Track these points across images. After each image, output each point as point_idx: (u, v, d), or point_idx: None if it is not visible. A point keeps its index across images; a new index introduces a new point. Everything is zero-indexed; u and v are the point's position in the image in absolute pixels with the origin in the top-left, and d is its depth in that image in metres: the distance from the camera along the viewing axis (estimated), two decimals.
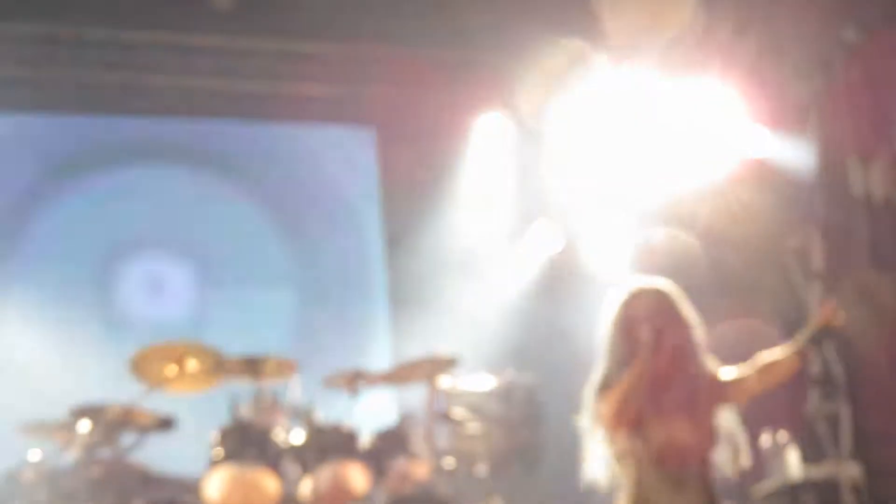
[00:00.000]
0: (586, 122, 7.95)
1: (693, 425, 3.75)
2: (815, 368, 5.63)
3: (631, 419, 3.68)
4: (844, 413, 5.46)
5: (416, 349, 7.56)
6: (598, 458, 3.78)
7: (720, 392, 3.88)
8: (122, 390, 6.16)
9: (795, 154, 7.16)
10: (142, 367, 6.13)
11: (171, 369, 6.05)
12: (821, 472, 6.15)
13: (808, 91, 6.73)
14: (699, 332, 3.91)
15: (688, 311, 3.91)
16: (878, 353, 5.21)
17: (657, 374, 3.73)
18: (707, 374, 3.88)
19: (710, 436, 3.79)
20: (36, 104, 8.28)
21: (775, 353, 3.99)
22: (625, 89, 7.45)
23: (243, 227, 8.70)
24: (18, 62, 7.85)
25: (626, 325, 3.83)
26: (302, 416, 6.31)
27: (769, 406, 8.42)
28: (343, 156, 9.10)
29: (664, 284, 3.94)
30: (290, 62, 8.36)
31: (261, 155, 8.85)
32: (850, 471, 5.44)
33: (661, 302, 3.85)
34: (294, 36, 8.09)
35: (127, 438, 6.13)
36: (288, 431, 6.29)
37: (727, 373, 3.95)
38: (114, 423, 5.97)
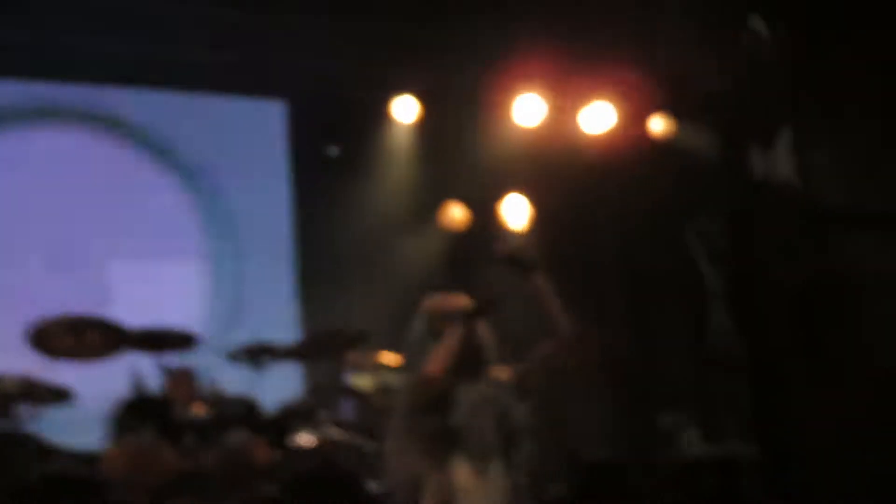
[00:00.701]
0: None
1: None
2: (714, 347, 5.72)
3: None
4: (745, 392, 5.53)
5: (325, 324, 7.54)
6: None
7: None
8: (19, 362, 6.06)
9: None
10: (41, 339, 6.04)
11: (71, 341, 5.97)
12: (720, 451, 6.27)
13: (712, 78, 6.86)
14: None
15: None
16: (779, 334, 5.28)
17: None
18: None
19: None
20: None
21: None
22: None
23: (151, 198, 8.56)
24: None
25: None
26: (206, 389, 6.26)
27: (669, 385, 8.67)
28: (254, 127, 9.00)
29: None
30: (202, 27, 8.23)
31: (173, 124, 8.72)
32: (750, 450, 5.52)
33: None
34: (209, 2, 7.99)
35: (23, 410, 6.01)
36: (192, 405, 6.23)
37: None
38: (10, 394, 5.86)
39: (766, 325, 5.31)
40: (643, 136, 8.46)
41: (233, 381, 6.55)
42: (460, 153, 8.64)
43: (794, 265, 5.07)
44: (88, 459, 6.34)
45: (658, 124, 8.38)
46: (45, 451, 6.25)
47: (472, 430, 3.67)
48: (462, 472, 3.60)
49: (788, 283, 5.21)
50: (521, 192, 8.77)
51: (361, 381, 6.75)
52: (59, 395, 6.02)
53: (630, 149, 8.41)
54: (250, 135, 8.91)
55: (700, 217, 5.89)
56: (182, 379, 6.30)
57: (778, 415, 5.25)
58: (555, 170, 8.67)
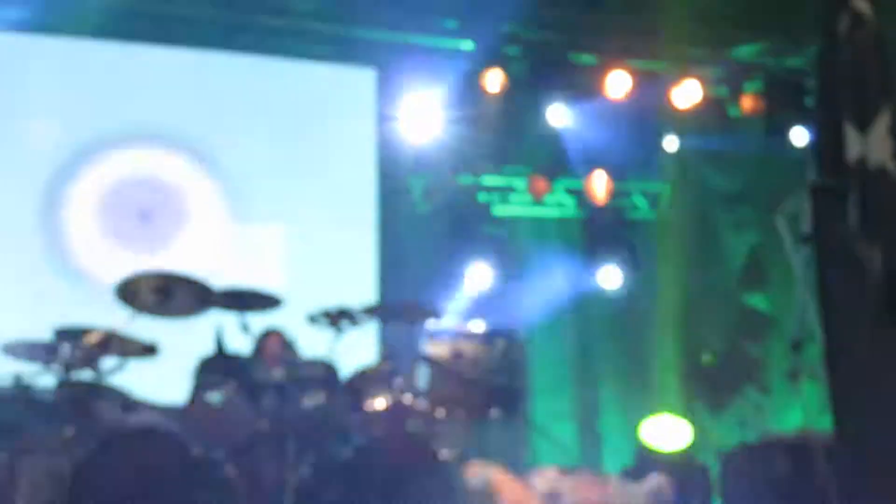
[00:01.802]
0: None
1: None
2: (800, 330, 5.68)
3: None
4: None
5: (403, 291, 7.63)
6: None
7: None
8: (107, 315, 6.19)
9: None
10: (127, 293, 6.16)
11: (156, 297, 6.08)
12: (796, 433, 6.25)
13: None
14: None
15: None
16: (859, 319, 5.23)
17: None
18: None
19: None
20: None
21: None
22: None
23: (235, 160, 8.69)
24: None
25: None
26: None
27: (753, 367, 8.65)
28: (342, 95, 9.09)
29: None
30: None
31: (257, 89, 8.82)
32: (826, 434, 5.49)
33: None
34: None
35: (108, 363, 6.14)
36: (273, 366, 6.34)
37: None
38: (96, 346, 5.98)
39: (850, 311, 5.26)
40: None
41: (312, 343, 6.66)
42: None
43: (885, 249, 5.00)
44: (171, 413, 6.50)
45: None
46: (129, 404, 6.41)
47: None
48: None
49: (876, 269, 5.15)
50: None
51: (436, 349, 6.80)
52: (144, 350, 6.13)
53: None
54: (336, 103, 9.00)
55: (790, 200, 5.82)
56: (275, 339, 6.40)
57: (854, 400, 5.20)
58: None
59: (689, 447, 7.95)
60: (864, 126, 5.16)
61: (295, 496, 5.81)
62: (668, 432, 7.63)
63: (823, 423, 5.56)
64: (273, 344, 6.38)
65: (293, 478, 5.87)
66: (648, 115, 9.62)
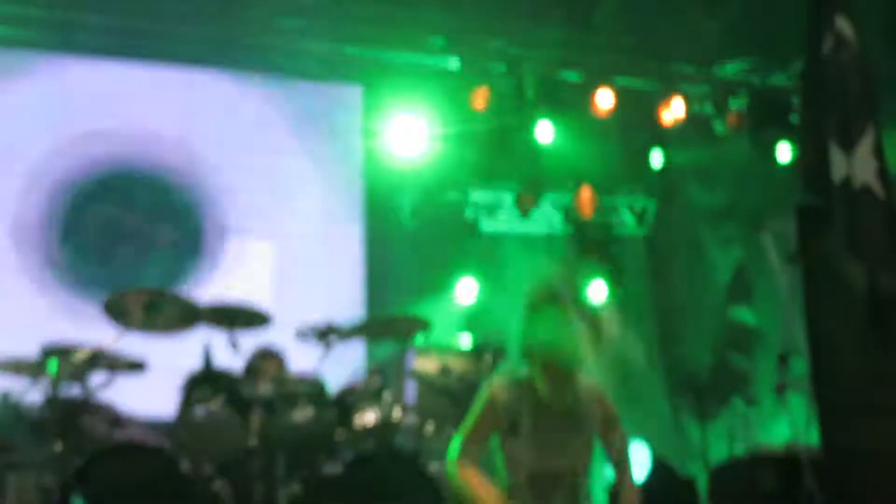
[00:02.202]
0: None
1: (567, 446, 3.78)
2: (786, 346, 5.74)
3: None
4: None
5: (390, 307, 7.64)
6: None
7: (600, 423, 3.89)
8: (94, 332, 6.20)
9: None
10: (117, 309, 6.17)
11: (145, 314, 6.09)
12: (783, 448, 6.28)
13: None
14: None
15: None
16: (844, 335, 5.28)
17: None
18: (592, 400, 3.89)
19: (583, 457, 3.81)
20: None
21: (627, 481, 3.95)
22: None
23: (222, 176, 8.70)
24: None
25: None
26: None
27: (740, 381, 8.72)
28: (329, 111, 9.12)
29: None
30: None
31: (244, 105, 8.85)
32: (812, 449, 5.53)
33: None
34: None
35: (96, 379, 6.14)
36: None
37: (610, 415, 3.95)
38: (84, 362, 5.99)
39: (835, 328, 5.30)
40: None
41: (300, 358, 6.66)
42: None
43: (870, 268, 5.05)
44: (159, 429, 6.49)
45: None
46: (117, 420, 6.41)
47: None
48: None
49: (861, 286, 5.20)
50: None
51: (424, 364, 6.81)
52: (132, 366, 6.14)
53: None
54: (323, 120, 9.04)
55: (775, 219, 5.89)
56: (272, 362, 6.41)
57: (840, 414, 5.25)
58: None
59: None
60: (848, 146, 5.22)
61: None
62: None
63: (811, 437, 5.60)
64: (270, 366, 6.38)
65: (283, 494, 5.87)
66: (635, 131, 9.67)
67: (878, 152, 5.11)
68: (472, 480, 3.73)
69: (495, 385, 3.82)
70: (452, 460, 3.78)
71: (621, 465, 3.92)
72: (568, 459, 3.76)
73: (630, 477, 3.92)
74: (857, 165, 5.09)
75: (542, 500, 3.71)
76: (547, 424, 3.76)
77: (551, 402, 3.76)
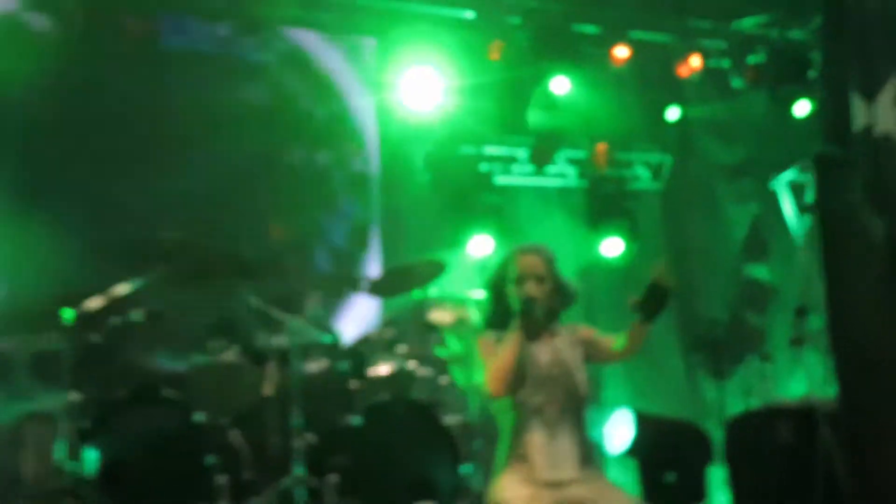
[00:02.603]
0: None
1: (566, 380, 3.88)
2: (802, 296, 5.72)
3: (507, 388, 3.83)
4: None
5: (405, 257, 7.63)
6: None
7: (587, 349, 4.05)
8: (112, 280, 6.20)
9: None
10: (135, 257, 6.17)
11: (165, 261, 6.09)
12: (799, 400, 6.27)
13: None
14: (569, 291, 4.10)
15: (559, 273, 4.08)
16: (863, 288, 5.24)
17: (531, 336, 3.91)
18: (576, 332, 4.08)
19: (582, 387, 3.92)
20: None
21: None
22: None
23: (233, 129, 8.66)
24: None
25: (499, 288, 4.01)
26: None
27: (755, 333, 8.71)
28: (343, 64, 9.07)
29: (541, 247, 4.13)
30: None
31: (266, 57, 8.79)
32: (828, 401, 5.52)
33: (535, 265, 3.98)
34: None
35: (114, 327, 6.15)
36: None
37: (593, 334, 4.16)
38: (101, 311, 5.99)
39: (854, 280, 5.27)
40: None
41: (316, 310, 6.67)
42: None
43: (890, 218, 5.01)
44: (174, 379, 6.51)
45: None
46: (135, 367, 6.43)
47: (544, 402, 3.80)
48: (538, 438, 3.75)
49: (881, 236, 5.16)
50: None
51: (439, 316, 6.79)
52: (149, 315, 6.14)
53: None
54: (336, 72, 8.99)
55: (792, 170, 5.85)
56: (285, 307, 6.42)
57: (858, 367, 5.22)
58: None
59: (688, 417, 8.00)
60: (870, 95, 5.16)
61: (300, 462, 5.83)
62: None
63: (827, 391, 5.59)
64: (275, 310, 6.37)
65: (298, 444, 5.89)
66: (651, 85, 9.59)
67: None
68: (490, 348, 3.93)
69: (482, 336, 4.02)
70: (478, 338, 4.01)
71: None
72: (566, 382, 3.79)
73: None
74: (878, 114, 5.04)
75: (549, 428, 3.72)
76: (539, 355, 3.91)
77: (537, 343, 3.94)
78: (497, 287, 4.02)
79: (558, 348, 3.93)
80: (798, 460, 5.59)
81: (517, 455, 3.78)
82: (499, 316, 4.00)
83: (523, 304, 3.87)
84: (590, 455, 3.88)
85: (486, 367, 3.86)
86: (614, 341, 4.15)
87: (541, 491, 3.70)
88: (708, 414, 8.59)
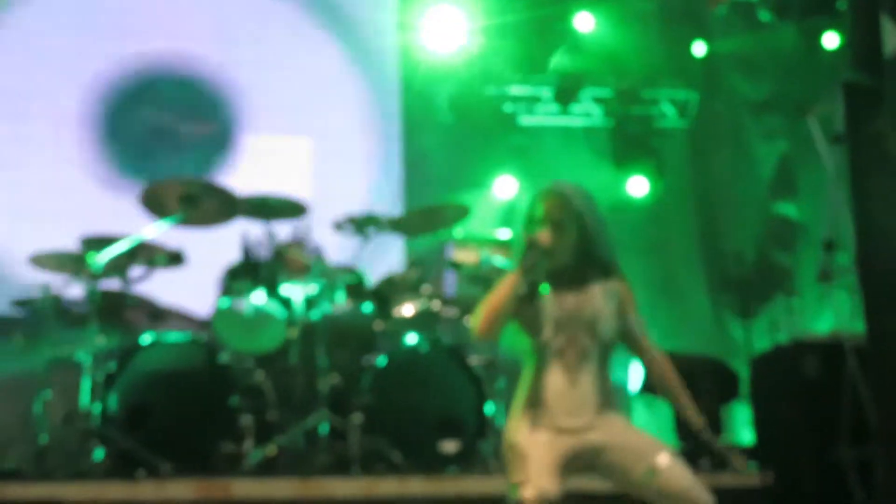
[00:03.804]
0: None
1: (590, 323, 3.70)
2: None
3: (491, 330, 3.71)
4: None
5: (429, 199, 7.59)
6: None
7: (620, 307, 3.79)
8: (132, 224, 6.19)
9: None
10: (153, 201, 6.15)
11: (183, 205, 6.07)
12: (826, 336, 6.21)
13: None
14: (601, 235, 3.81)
15: (593, 214, 3.79)
16: (892, 220, 5.16)
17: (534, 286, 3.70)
18: (617, 287, 3.80)
19: (606, 332, 3.73)
20: None
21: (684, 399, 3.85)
22: None
23: (257, 73, 8.62)
24: None
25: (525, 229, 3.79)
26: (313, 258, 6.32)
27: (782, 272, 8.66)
28: (365, 4, 8.98)
29: (569, 187, 3.82)
30: None
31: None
32: (856, 336, 5.47)
33: (554, 210, 3.75)
34: None
35: (136, 271, 6.15)
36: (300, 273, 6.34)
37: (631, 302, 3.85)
38: (124, 255, 5.99)
39: (884, 211, 5.19)
40: None
41: (339, 250, 6.65)
42: None
43: None
44: (199, 322, 6.53)
45: None
46: (157, 312, 6.44)
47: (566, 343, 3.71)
48: (557, 383, 3.66)
49: None
50: None
51: (463, 256, 6.76)
52: (171, 258, 6.12)
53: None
54: (359, 13, 8.91)
55: (822, 100, 5.74)
56: (297, 248, 6.40)
57: (888, 300, 5.16)
58: None
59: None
60: None
61: (325, 403, 5.84)
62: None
63: (855, 326, 5.53)
64: (292, 251, 6.35)
65: (323, 384, 5.90)
66: (676, 21, 9.44)
67: None
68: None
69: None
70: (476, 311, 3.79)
71: (667, 378, 3.83)
72: (590, 327, 3.70)
73: (684, 395, 3.82)
74: None
75: (569, 372, 3.66)
76: (564, 286, 3.72)
77: (565, 270, 3.74)
78: (525, 230, 3.80)
79: (587, 294, 3.73)
80: (825, 395, 5.54)
81: (535, 398, 3.68)
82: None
83: (526, 249, 3.71)
84: (611, 400, 3.76)
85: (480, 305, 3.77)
86: (647, 341, 3.83)
87: (556, 437, 3.61)
88: (735, 352, 8.54)
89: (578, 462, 3.65)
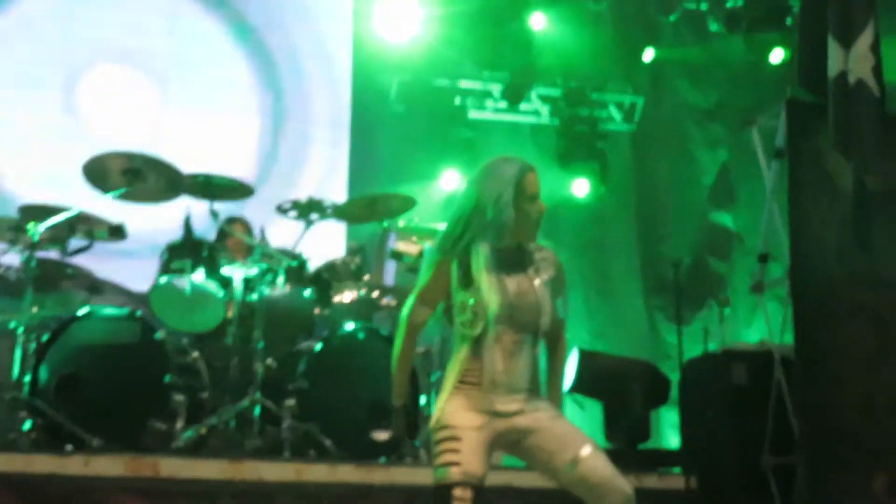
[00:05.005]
0: None
1: (530, 312, 3.71)
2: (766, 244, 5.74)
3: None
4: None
5: (375, 188, 7.60)
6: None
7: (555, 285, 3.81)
8: (74, 195, 6.13)
9: None
10: (96, 172, 6.09)
11: (127, 179, 6.03)
12: (754, 344, 6.33)
13: None
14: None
15: None
16: (827, 236, 5.28)
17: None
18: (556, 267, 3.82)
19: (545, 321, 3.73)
20: None
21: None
22: None
23: (211, 50, 8.57)
24: None
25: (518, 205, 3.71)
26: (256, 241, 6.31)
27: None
28: None
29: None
30: None
31: None
32: (783, 345, 5.58)
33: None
34: None
35: (76, 243, 6.09)
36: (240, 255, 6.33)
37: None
38: (63, 226, 5.93)
39: (816, 225, 5.30)
40: None
41: (280, 236, 6.64)
42: None
43: (857, 166, 5.03)
44: (136, 298, 6.48)
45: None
46: (95, 285, 6.39)
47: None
48: (491, 366, 3.67)
49: (847, 183, 5.18)
50: None
51: (405, 247, 6.79)
52: (112, 231, 6.07)
53: None
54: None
55: (765, 113, 5.84)
56: (238, 227, 6.38)
57: (817, 314, 5.27)
58: None
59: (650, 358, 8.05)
60: (847, 41, 5.16)
61: (259, 386, 5.84)
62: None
63: (785, 338, 5.64)
64: (237, 232, 6.34)
65: (259, 367, 5.90)
66: (628, 26, 9.55)
67: (876, 48, 5.05)
68: (406, 353, 3.77)
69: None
70: (404, 319, 3.73)
71: (557, 361, 3.93)
72: (533, 315, 3.73)
73: (561, 379, 3.94)
74: (854, 61, 5.04)
75: (506, 358, 3.66)
76: (506, 270, 3.70)
77: (508, 249, 3.73)
78: (516, 204, 3.69)
79: (529, 280, 3.75)
80: (751, 403, 5.65)
81: (468, 381, 3.67)
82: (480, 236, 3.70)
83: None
84: (539, 385, 3.80)
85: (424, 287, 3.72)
86: (563, 324, 3.89)
87: (489, 420, 3.63)
88: (667, 357, 8.67)
89: (503, 442, 3.68)
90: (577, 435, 3.70)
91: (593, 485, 3.61)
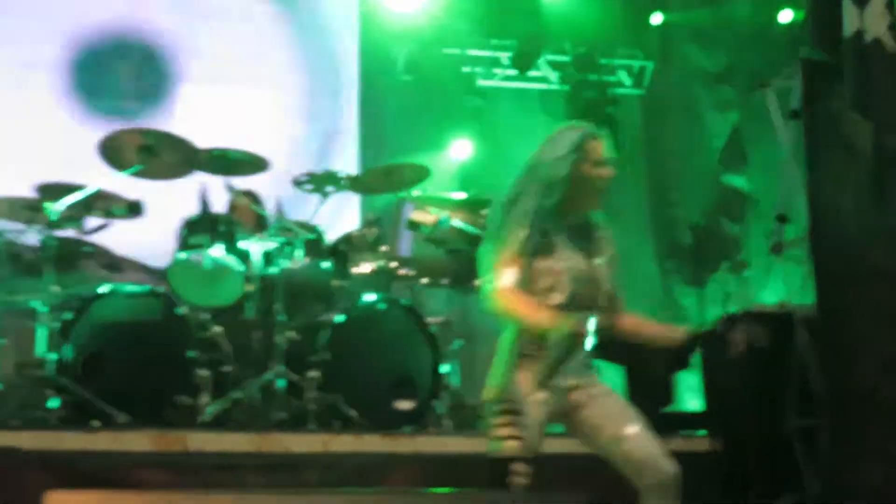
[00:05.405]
0: None
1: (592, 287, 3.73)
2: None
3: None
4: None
5: (385, 162, 7.60)
6: None
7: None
8: (90, 173, 6.14)
9: None
10: (112, 150, 6.11)
11: (142, 156, 6.04)
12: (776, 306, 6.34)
13: None
14: None
15: None
16: (845, 196, 5.27)
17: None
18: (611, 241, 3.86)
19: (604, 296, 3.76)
20: None
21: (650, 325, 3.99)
22: None
23: (220, 27, 8.56)
24: None
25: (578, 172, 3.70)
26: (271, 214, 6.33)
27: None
28: None
29: None
30: None
31: None
32: (806, 307, 5.58)
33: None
34: None
35: (93, 221, 6.11)
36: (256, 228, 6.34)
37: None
38: (81, 204, 5.94)
39: (836, 187, 5.29)
40: None
41: (298, 207, 6.66)
42: None
43: (876, 125, 5.01)
44: (156, 274, 6.50)
45: None
46: (114, 262, 6.41)
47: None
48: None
49: (866, 144, 5.17)
50: None
51: (421, 217, 6.80)
52: (129, 208, 6.09)
53: None
54: None
55: (779, 75, 5.83)
56: (246, 199, 6.39)
57: (837, 274, 5.27)
58: None
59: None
60: (862, 1, 5.12)
61: (282, 358, 5.87)
62: None
63: (805, 298, 5.65)
64: (241, 201, 6.35)
65: (280, 340, 5.92)
66: None
67: (892, 6, 5.01)
68: (526, 304, 3.62)
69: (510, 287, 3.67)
70: (501, 288, 3.59)
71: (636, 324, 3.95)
72: (596, 289, 3.72)
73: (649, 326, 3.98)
74: (869, 19, 5.00)
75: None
76: (576, 242, 3.72)
77: (576, 223, 3.74)
78: (575, 171, 3.67)
79: (596, 254, 3.74)
80: (773, 365, 5.66)
81: (528, 353, 3.61)
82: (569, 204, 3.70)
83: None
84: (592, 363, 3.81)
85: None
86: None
87: (548, 394, 3.59)
88: (684, 321, 8.67)
89: (555, 415, 3.70)
90: (626, 412, 3.72)
91: (636, 462, 3.62)
